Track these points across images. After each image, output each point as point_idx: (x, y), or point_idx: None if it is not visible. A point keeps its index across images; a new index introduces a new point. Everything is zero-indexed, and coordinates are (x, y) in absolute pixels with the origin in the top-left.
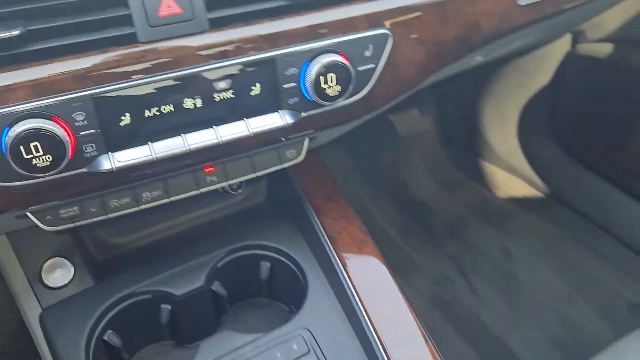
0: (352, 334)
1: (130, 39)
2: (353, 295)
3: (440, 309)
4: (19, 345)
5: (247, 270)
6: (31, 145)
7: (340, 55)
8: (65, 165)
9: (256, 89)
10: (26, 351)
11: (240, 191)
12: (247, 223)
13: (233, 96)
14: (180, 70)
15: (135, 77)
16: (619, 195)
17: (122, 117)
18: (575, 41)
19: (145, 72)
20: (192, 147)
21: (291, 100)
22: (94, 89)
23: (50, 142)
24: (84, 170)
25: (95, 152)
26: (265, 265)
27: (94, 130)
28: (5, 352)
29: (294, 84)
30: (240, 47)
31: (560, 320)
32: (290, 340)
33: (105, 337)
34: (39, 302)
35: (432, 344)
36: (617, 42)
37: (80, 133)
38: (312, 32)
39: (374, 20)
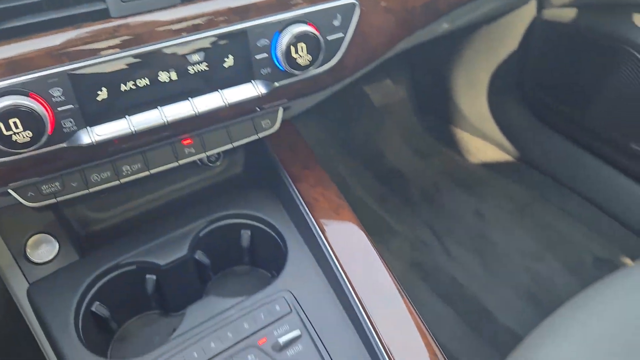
0: (331, 294)
1: (103, 15)
2: (331, 258)
3: (417, 272)
4: (8, 324)
5: (229, 238)
6: (10, 121)
7: (310, 25)
8: (46, 140)
9: (229, 61)
10: (16, 330)
11: (218, 163)
12: (226, 193)
13: (207, 68)
14: (153, 44)
15: (109, 52)
16: (585, 155)
17: (99, 92)
18: (540, 7)
19: (119, 47)
20: (169, 119)
21: (264, 71)
22: (68, 64)
23: (29, 118)
24: (64, 145)
25: (75, 127)
26: (246, 233)
27: (71, 106)
28: None
29: (265, 55)
30: (212, 20)
31: (531, 277)
32: (273, 301)
33: (93, 309)
34: (26, 278)
35: (408, 300)
36: (580, 7)
37: (59, 109)
38: (281, 4)
39: None
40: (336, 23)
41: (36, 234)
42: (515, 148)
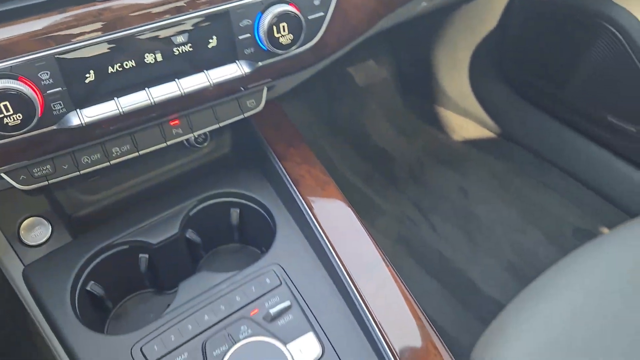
0: (319, 266)
1: None
2: (319, 232)
3: (403, 248)
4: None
5: (219, 217)
6: (1, 105)
7: (291, 5)
8: (36, 123)
9: (213, 42)
10: (12, 311)
11: (205, 144)
12: (215, 174)
13: (191, 49)
14: (137, 27)
15: (94, 35)
16: (564, 130)
17: (87, 75)
18: None
19: (104, 29)
20: (157, 99)
21: (247, 51)
22: (55, 48)
23: (19, 101)
24: (54, 127)
25: (64, 110)
26: (235, 212)
27: (60, 88)
28: None
29: (248, 35)
30: (194, 2)
31: (513, 249)
32: (263, 275)
33: (88, 288)
34: (21, 260)
35: (393, 269)
36: None
37: (48, 91)
38: None
39: None
40: (316, 2)
41: (29, 217)
42: (497, 124)
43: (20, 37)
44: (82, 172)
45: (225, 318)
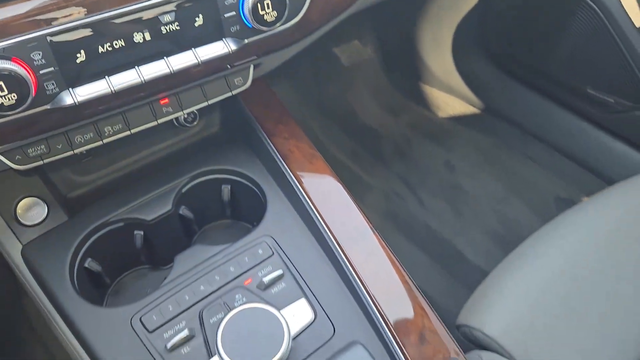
0: (309, 236)
1: None
2: (308, 204)
3: (392, 222)
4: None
5: (210, 193)
6: None
7: None
8: (30, 102)
9: (199, 20)
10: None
11: (195, 123)
12: (205, 151)
13: (178, 28)
14: (125, 7)
15: (83, 15)
16: (546, 103)
17: (78, 55)
18: None
19: (93, 10)
20: (147, 77)
21: (233, 29)
22: (46, 29)
23: (13, 80)
24: (48, 107)
25: (57, 89)
26: (226, 188)
27: (52, 68)
28: None
29: (234, 13)
30: None
31: (498, 219)
32: (256, 246)
33: (86, 265)
34: (19, 240)
35: (381, 237)
36: None
37: (41, 71)
38: None
39: None
40: None
41: (26, 197)
42: (480, 100)
43: (12, 18)
44: (75, 151)
45: (220, 288)
